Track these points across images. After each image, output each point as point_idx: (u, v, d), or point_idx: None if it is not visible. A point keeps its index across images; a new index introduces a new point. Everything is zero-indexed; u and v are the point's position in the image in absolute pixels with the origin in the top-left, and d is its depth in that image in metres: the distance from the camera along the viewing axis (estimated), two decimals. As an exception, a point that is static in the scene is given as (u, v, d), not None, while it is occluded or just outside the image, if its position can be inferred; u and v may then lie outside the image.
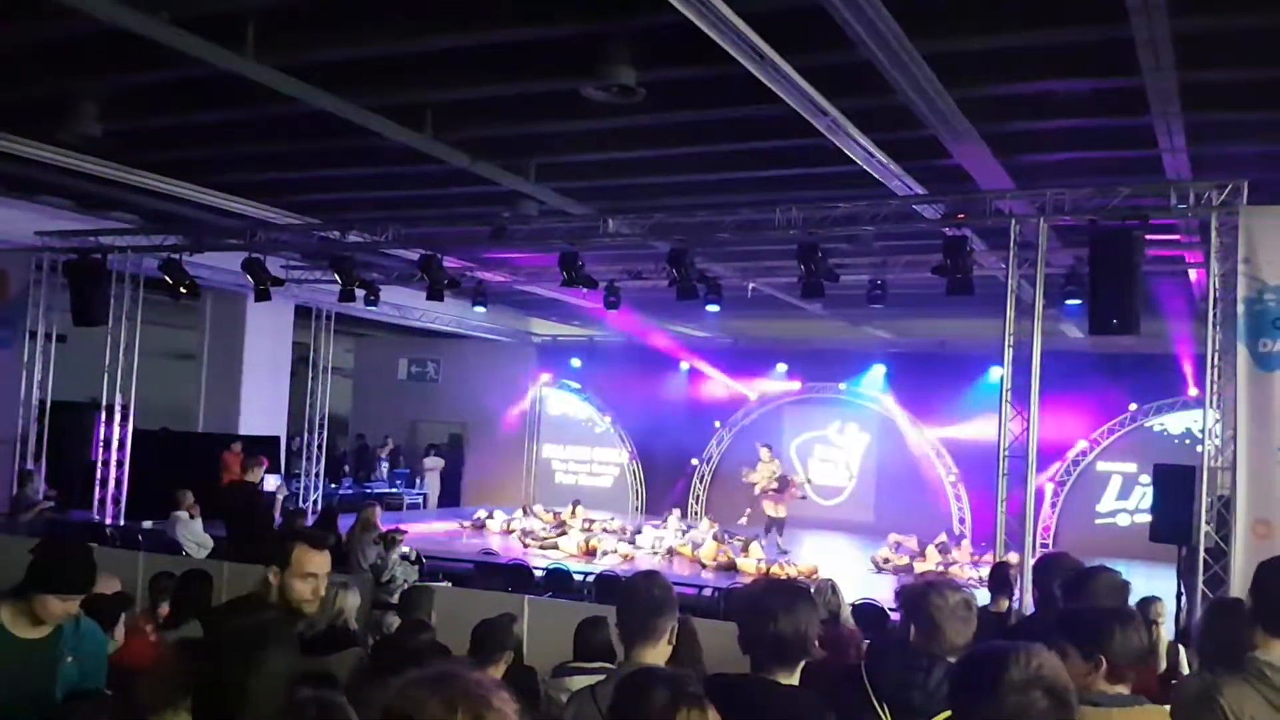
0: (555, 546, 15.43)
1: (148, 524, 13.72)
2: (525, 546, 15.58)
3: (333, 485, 20.51)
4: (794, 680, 2.94)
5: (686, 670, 2.91)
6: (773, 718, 2.89)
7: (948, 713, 3.02)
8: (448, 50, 8.22)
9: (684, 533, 16.48)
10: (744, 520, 17.15)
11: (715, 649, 3.90)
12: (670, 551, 15.24)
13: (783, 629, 2.89)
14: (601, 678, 3.21)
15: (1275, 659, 3.08)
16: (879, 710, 3.01)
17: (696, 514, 20.72)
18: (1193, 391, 16.10)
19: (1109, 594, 3.72)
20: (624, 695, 2.45)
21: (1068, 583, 3.92)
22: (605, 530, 17.00)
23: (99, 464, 14.51)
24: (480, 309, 17.42)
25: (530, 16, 7.48)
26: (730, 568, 14.02)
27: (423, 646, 5.37)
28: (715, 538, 15.50)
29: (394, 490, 21.71)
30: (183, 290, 14.27)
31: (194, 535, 12.13)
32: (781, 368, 21.46)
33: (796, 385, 21.52)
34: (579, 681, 4.02)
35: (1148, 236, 9.55)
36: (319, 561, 3.64)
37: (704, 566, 14.42)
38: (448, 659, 5.02)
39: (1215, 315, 8.99)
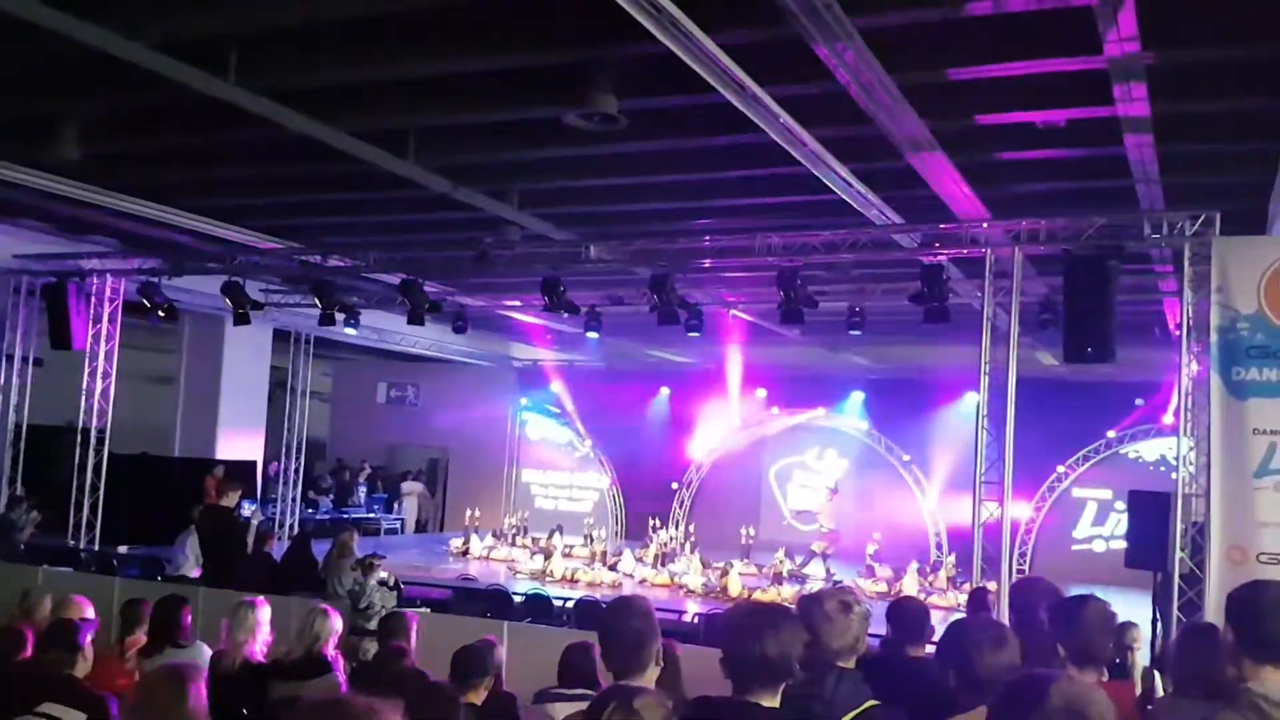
0: (543, 576, 15.26)
1: (123, 549, 13.59)
2: (515, 575, 15.47)
3: (309, 510, 20.37)
4: (775, 703, 2.96)
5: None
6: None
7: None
8: (431, 77, 8.27)
9: (662, 558, 16.44)
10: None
11: (701, 677, 3.91)
12: (646, 583, 15.11)
13: (768, 651, 2.91)
14: (584, 705, 3.22)
15: (1270, 690, 2.98)
16: None
17: (676, 539, 20.64)
18: (1167, 419, 16.22)
19: (1100, 623, 3.76)
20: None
21: (1055, 608, 3.95)
22: (582, 559, 16.76)
23: (74, 488, 14.37)
24: (460, 334, 17.40)
25: (513, 45, 7.52)
26: (717, 594, 13.97)
27: (401, 673, 5.36)
28: (703, 563, 15.50)
29: (371, 515, 21.58)
30: (161, 314, 14.21)
31: (196, 551, 11.99)
32: (761, 393, 21.51)
33: (775, 411, 21.57)
34: (561, 708, 4.01)
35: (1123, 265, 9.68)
36: None
37: (690, 592, 14.38)
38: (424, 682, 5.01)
39: (1189, 344, 9.11)
